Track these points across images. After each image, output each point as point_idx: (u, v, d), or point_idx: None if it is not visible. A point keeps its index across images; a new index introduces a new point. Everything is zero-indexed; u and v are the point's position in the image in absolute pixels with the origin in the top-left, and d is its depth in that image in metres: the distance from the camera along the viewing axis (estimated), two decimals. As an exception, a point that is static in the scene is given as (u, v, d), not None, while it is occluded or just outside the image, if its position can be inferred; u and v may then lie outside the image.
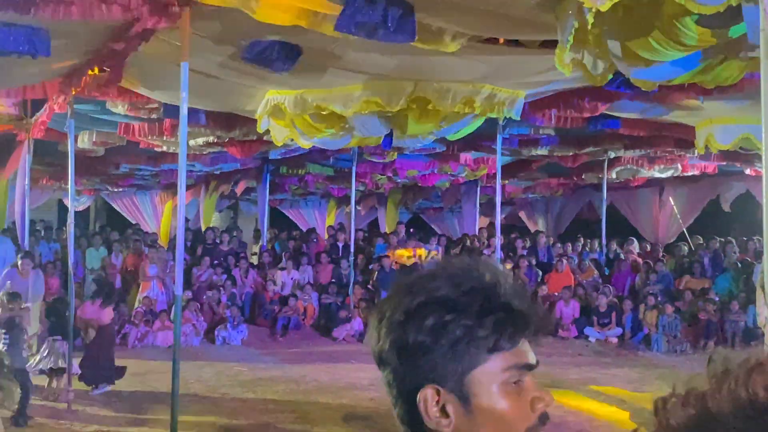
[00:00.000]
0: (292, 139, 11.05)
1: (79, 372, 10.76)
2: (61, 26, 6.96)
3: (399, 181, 19.46)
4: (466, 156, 16.38)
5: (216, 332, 15.48)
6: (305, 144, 11.65)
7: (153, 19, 6.88)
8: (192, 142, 12.92)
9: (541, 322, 1.35)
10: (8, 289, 10.51)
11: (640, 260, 18.51)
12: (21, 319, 9.91)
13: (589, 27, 5.65)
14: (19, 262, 11.60)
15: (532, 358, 1.33)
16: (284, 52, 7.63)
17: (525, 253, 18.92)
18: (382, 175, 18.79)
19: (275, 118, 9.88)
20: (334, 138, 10.82)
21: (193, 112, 9.95)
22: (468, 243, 19.58)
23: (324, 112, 9.51)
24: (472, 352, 1.28)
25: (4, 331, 9.76)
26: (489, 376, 1.29)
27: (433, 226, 26.06)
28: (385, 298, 1.37)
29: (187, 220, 18.22)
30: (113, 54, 8.04)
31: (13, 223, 14.49)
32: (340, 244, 19.02)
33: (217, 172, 18.72)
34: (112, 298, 11.98)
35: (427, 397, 1.28)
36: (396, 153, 15.33)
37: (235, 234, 19.70)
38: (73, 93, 9.71)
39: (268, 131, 10.55)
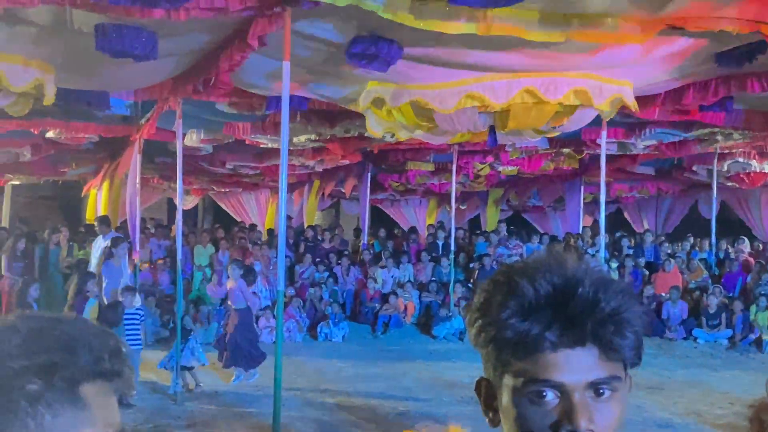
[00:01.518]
0: (392, 135, 11.01)
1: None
2: (167, 28, 7.13)
3: (501, 168, 18.98)
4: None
5: (318, 328, 15.69)
6: (403, 138, 11.59)
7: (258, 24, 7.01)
8: (295, 140, 13.11)
9: (608, 336, 1.20)
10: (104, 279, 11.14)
11: (751, 260, 17.88)
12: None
13: None
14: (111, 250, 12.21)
15: (563, 375, 1.20)
16: (387, 48, 7.60)
17: (631, 253, 18.52)
18: (483, 163, 18.40)
19: (376, 109, 9.79)
20: (434, 133, 10.69)
21: (295, 99, 9.99)
22: (571, 242, 19.26)
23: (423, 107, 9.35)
24: (503, 354, 1.24)
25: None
26: (509, 383, 1.25)
27: (535, 225, 25.72)
28: None
29: (289, 218, 18.53)
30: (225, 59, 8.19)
31: (125, 221, 14.97)
32: (441, 243, 19.00)
33: (320, 170, 18.88)
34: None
35: (479, 387, 1.35)
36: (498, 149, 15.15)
37: (336, 232, 19.90)
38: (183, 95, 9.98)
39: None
